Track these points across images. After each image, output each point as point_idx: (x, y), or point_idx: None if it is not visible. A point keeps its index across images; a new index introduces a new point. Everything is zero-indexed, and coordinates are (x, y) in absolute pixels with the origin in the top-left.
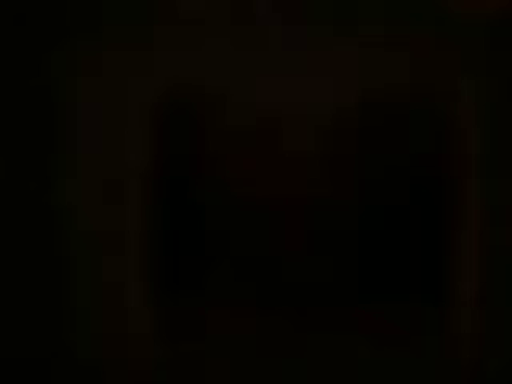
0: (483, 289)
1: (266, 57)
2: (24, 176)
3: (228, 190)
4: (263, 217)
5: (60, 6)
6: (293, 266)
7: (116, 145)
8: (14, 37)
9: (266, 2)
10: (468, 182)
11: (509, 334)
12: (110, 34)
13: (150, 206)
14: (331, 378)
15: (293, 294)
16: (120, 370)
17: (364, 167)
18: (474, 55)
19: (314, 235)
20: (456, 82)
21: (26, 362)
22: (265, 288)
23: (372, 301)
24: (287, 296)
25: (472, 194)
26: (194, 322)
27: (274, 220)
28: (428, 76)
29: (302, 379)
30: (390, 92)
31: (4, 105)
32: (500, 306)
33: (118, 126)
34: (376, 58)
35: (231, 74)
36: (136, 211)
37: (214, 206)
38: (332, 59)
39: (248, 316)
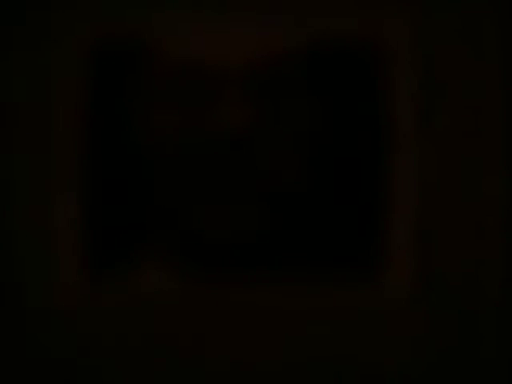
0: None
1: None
2: None
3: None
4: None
5: None
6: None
7: (42, 98)
8: None
9: None
10: (404, 135)
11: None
12: None
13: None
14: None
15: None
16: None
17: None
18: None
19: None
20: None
21: None
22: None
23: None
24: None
25: (408, 146)
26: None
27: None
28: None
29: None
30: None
31: None
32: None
33: (46, 77)
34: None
35: (164, 22)
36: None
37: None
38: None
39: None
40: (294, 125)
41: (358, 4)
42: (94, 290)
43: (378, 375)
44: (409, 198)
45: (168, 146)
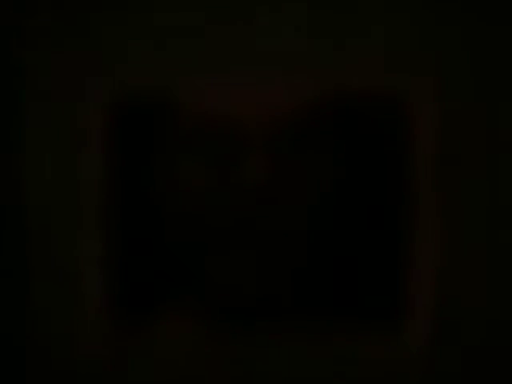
0: (438, 301)
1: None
2: None
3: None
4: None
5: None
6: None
7: (66, 148)
8: None
9: None
10: (426, 187)
11: (461, 345)
12: (60, 33)
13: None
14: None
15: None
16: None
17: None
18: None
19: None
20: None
21: None
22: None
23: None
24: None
25: (430, 198)
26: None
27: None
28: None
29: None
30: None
31: None
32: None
33: (69, 128)
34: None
35: (190, 77)
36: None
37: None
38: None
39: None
40: (319, 178)
41: (385, 59)
42: (119, 340)
43: None
44: (430, 248)
45: (193, 199)
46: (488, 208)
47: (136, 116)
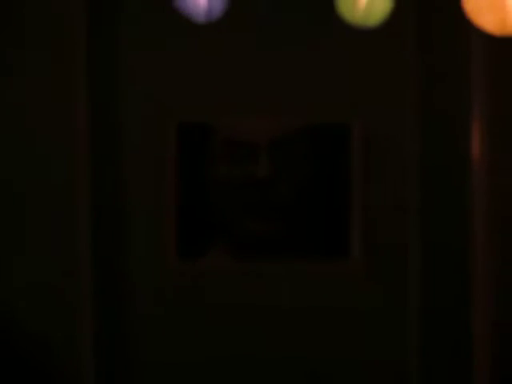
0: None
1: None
2: None
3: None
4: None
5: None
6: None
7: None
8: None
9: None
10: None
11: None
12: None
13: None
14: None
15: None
16: None
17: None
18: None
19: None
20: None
21: None
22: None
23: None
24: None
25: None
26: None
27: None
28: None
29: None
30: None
31: None
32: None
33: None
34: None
35: (223, 111)
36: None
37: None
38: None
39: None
40: (298, 174)
41: (337, 104)
42: (183, 269)
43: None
44: (358, 208)
45: (225, 184)
46: None
47: (196, 132)
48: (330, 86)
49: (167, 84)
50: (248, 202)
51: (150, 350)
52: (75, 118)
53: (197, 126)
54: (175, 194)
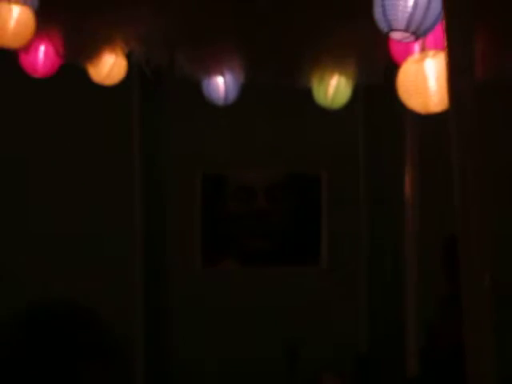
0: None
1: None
2: None
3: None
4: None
5: None
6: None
7: None
8: None
9: None
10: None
11: None
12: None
13: None
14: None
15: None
16: None
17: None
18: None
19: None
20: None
21: None
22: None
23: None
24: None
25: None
26: None
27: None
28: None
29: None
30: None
31: None
32: None
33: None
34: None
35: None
36: None
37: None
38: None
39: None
40: (284, 208)
41: (308, 157)
42: (207, 272)
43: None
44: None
45: (234, 215)
46: None
47: (214, 180)
48: (306, 148)
49: (195, 147)
50: (250, 226)
51: (181, 328)
52: (132, 171)
53: (215, 176)
54: (201, 222)
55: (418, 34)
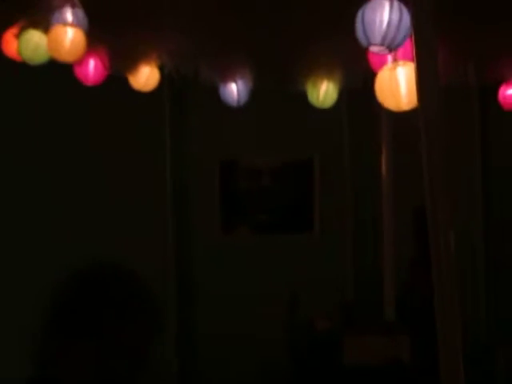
0: None
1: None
2: None
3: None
4: None
5: None
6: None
7: None
8: None
9: None
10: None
11: None
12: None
13: None
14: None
15: None
16: None
17: None
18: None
19: None
20: None
21: None
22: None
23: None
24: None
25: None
26: None
27: None
28: None
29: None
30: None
31: None
32: None
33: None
34: None
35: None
36: None
37: None
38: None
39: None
40: (285, 185)
41: (304, 145)
42: (226, 239)
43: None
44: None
45: (245, 192)
46: None
47: (229, 165)
48: (301, 137)
49: (214, 140)
50: (257, 201)
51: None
52: (164, 159)
53: (229, 162)
54: (219, 196)
55: (391, 48)
